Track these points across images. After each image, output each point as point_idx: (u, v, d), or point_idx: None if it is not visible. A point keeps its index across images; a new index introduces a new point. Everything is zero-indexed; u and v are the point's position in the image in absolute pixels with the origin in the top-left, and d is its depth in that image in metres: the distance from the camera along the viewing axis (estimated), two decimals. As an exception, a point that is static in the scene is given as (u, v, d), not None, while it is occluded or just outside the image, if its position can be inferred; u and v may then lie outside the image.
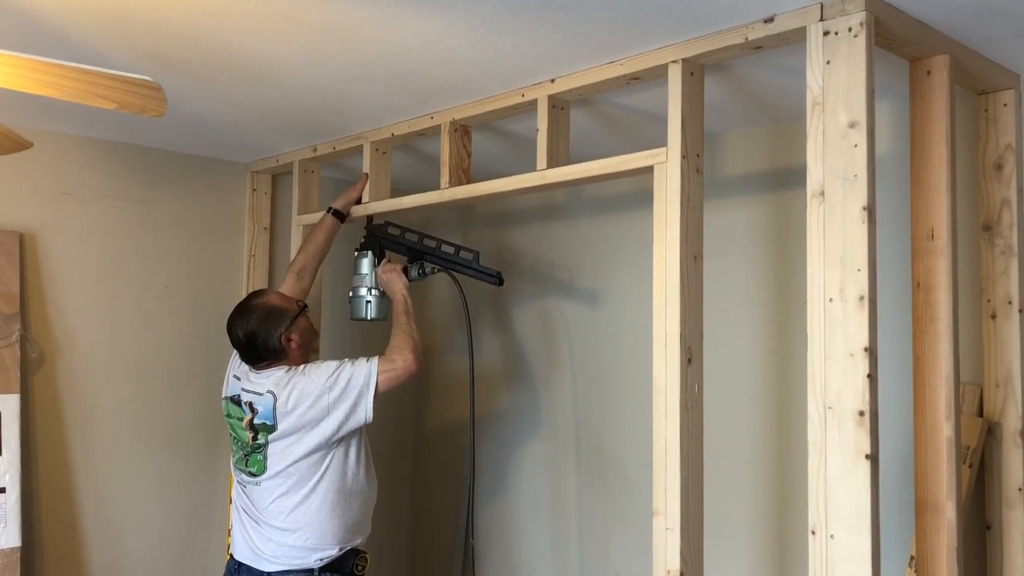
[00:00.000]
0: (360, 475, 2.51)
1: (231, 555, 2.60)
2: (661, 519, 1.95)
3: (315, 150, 3.05)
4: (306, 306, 2.64)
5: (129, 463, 3.06)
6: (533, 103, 2.31)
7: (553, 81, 2.25)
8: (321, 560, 2.44)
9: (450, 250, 2.80)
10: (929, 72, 1.94)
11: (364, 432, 2.52)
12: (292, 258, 2.98)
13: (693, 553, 1.95)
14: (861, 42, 1.68)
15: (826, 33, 1.73)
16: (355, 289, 2.83)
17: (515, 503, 3.34)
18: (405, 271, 2.74)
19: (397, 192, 2.85)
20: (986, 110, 2.20)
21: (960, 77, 2.04)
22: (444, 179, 2.58)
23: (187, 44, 2.04)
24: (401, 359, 2.45)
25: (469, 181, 2.59)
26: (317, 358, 2.92)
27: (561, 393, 3.19)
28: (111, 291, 3.04)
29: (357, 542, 2.53)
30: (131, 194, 3.09)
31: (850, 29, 1.70)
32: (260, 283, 3.36)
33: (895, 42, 1.84)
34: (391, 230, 2.85)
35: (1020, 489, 2.13)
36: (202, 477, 3.24)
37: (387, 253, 2.85)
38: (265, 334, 2.49)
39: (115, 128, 2.89)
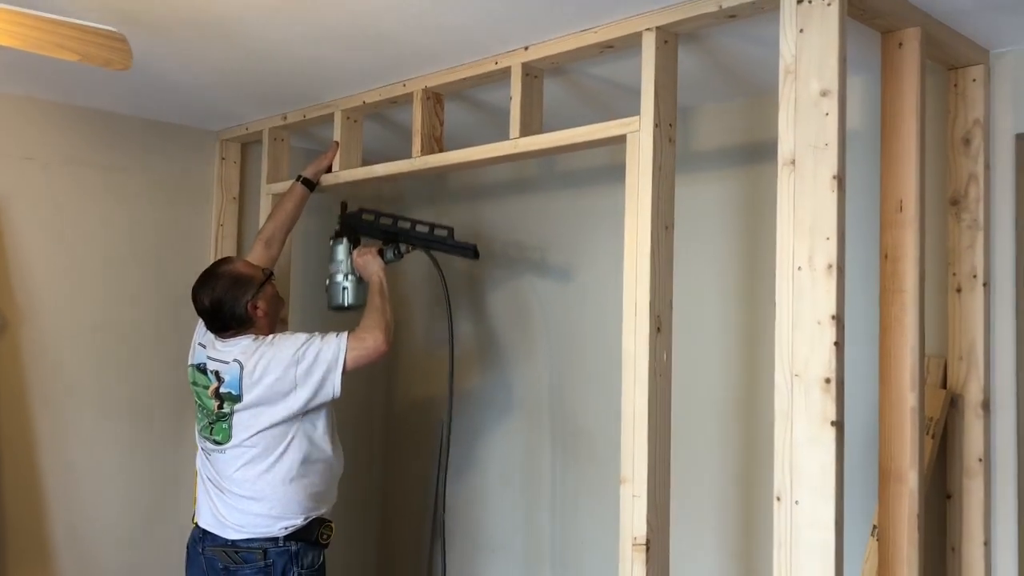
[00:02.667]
0: (326, 445, 2.50)
1: (195, 523, 2.58)
2: (628, 486, 1.97)
3: (285, 118, 3.01)
4: (272, 274, 2.62)
5: (94, 431, 3.02)
6: (507, 71, 2.29)
7: (527, 49, 2.24)
8: (286, 529, 2.43)
9: (425, 229, 2.78)
10: (900, 44, 1.95)
11: (331, 403, 2.50)
12: (260, 227, 2.95)
13: (660, 520, 1.97)
14: (834, 11, 1.68)
15: (799, 1, 1.73)
16: (331, 276, 2.80)
17: (485, 477, 3.35)
18: (381, 253, 2.72)
19: (368, 162, 2.82)
20: (955, 85, 2.21)
21: (931, 51, 2.04)
22: (416, 148, 2.56)
23: (154, 1, 2.00)
24: (371, 337, 2.43)
25: (442, 150, 2.57)
26: (285, 328, 2.90)
27: (534, 366, 3.19)
28: (76, 258, 2.99)
29: (322, 511, 2.52)
30: (97, 160, 3.03)
31: (823, -3, 1.70)
32: (228, 252, 3.31)
33: (868, 13, 1.85)
34: (365, 216, 2.83)
35: (980, 460, 2.16)
36: (168, 445, 3.20)
37: (362, 239, 2.82)
38: (232, 302, 2.47)
39: (81, 92, 2.82)
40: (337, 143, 2.80)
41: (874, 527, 2.09)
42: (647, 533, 1.94)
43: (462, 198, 3.53)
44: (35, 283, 2.90)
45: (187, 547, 2.59)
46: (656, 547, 1.95)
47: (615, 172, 2.88)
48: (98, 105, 2.99)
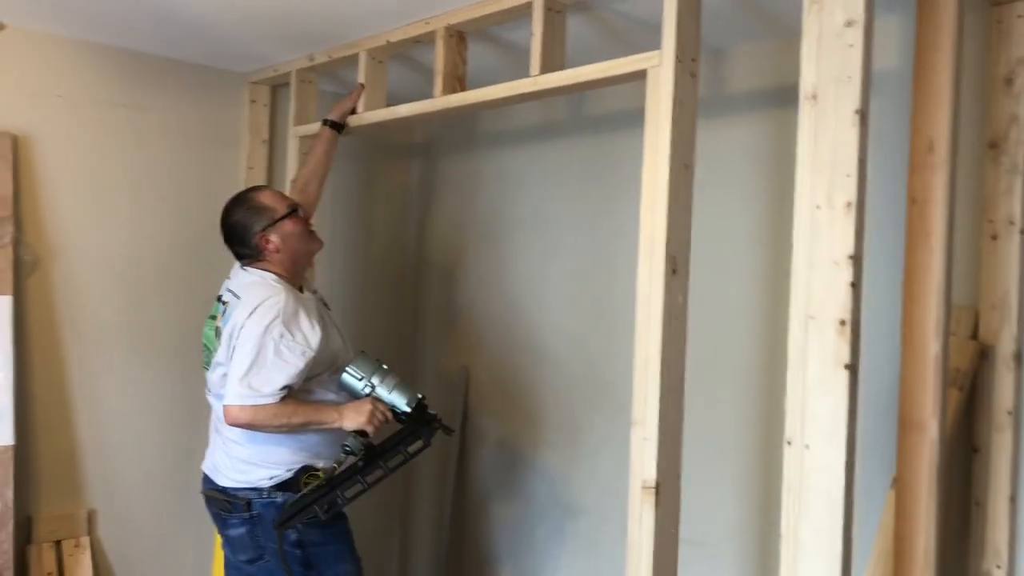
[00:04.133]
0: (317, 397, 2.39)
1: None
2: (639, 428, 1.94)
3: (312, 59, 2.99)
4: (295, 209, 2.46)
5: (123, 367, 3.08)
6: (530, 5, 2.24)
7: (549, -18, 2.18)
8: (270, 479, 2.36)
9: (400, 459, 2.41)
10: (938, -25, 1.85)
11: (332, 361, 2.40)
12: (295, 173, 2.94)
13: (670, 464, 1.94)
14: (862, -66, 1.60)
15: (827, -74, 1.65)
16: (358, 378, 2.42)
17: (507, 428, 3.34)
18: (361, 432, 2.34)
19: (393, 103, 2.79)
20: (999, 21, 2.10)
21: (972, -17, 1.95)
22: (438, 88, 2.52)
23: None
24: (252, 413, 2.24)
25: (464, 90, 2.53)
26: (312, 275, 2.88)
27: (557, 316, 3.16)
28: (105, 198, 3.02)
29: (319, 463, 2.40)
30: (125, 100, 3.05)
31: (852, -80, 1.61)
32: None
33: (902, -60, 1.76)
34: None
35: (1009, 412, 2.09)
36: (196, 382, 3.23)
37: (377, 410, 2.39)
38: (243, 229, 2.41)
39: (110, 31, 2.83)
40: (362, 85, 2.78)
41: (895, 479, 2.04)
42: (657, 476, 1.91)
43: (491, 143, 3.48)
44: (65, 221, 2.93)
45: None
46: (666, 490, 1.93)
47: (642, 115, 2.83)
48: (127, 44, 3.00)
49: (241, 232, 2.43)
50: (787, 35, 2.50)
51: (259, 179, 3.33)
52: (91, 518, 3.00)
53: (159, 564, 3.18)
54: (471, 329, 3.49)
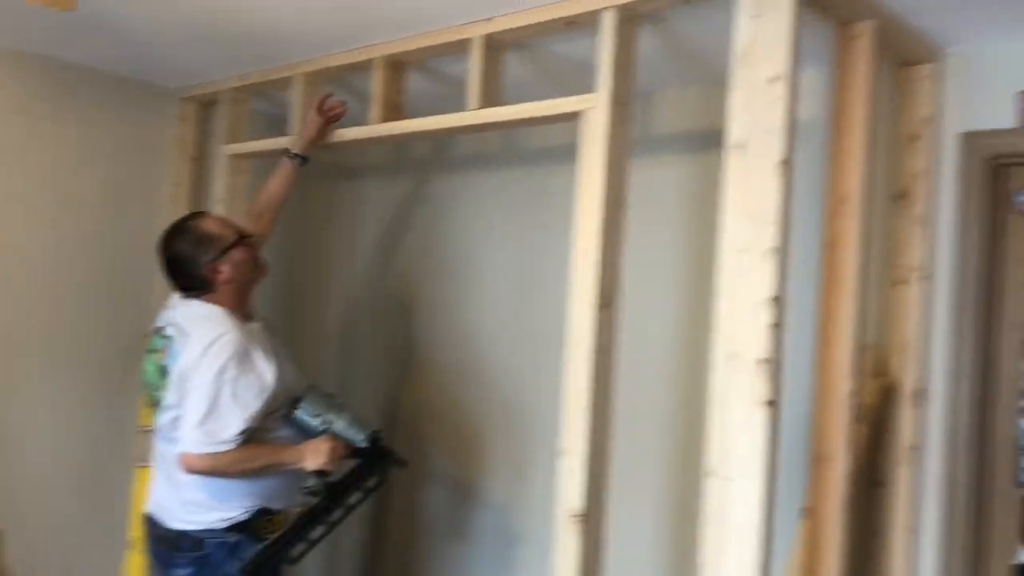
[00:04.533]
0: (281, 440, 2.33)
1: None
2: (567, 458, 1.99)
3: (246, 79, 2.98)
4: (245, 237, 2.38)
5: (39, 383, 3.00)
6: (469, 42, 2.29)
7: (490, 20, 2.24)
8: (224, 520, 2.28)
9: (359, 496, 2.42)
10: (854, 38, 1.98)
11: (287, 394, 2.34)
12: (223, 193, 2.90)
13: (597, 494, 1.99)
14: (789, -2, 1.71)
15: (756, -13, 1.75)
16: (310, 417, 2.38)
17: (431, 451, 3.36)
18: (320, 472, 2.31)
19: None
20: (906, 81, 2.25)
21: (884, 47, 2.08)
22: (376, 115, 2.55)
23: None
24: (212, 460, 2.18)
25: (402, 118, 2.56)
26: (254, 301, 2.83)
27: (486, 340, 3.20)
28: (29, 209, 2.94)
29: (274, 505, 2.34)
30: (54, 112, 2.98)
31: (780, -15, 1.72)
32: (183, 213, 3.28)
33: (823, 3, 1.87)
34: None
35: (911, 448, 2.22)
36: (113, 398, 3.18)
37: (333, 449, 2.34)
38: (190, 260, 2.29)
39: (40, 41, 2.77)
40: (327, 120, 2.66)
41: (803, 509, 2.14)
42: (583, 506, 1.96)
43: (422, 170, 3.51)
44: (-18, 233, 2.85)
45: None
46: (592, 520, 1.98)
47: (573, 151, 2.91)
48: (55, 54, 2.94)
49: (186, 264, 2.31)
50: (712, 81, 2.61)
51: (184, 196, 3.29)
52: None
53: (66, 587, 3.09)
54: (401, 358, 3.50)
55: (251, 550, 2.27)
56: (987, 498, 2.17)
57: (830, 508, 1.98)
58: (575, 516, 1.98)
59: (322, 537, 2.35)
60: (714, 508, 1.75)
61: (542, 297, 3.01)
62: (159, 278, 3.14)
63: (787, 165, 1.71)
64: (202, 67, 2.96)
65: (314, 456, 2.29)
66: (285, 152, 2.70)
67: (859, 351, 2.00)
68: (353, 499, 2.38)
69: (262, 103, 3.29)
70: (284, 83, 2.88)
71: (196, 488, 2.27)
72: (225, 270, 2.31)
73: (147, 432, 3.03)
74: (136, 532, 3.04)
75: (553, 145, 3.00)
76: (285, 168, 2.70)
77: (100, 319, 3.13)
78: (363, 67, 2.63)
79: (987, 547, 2.17)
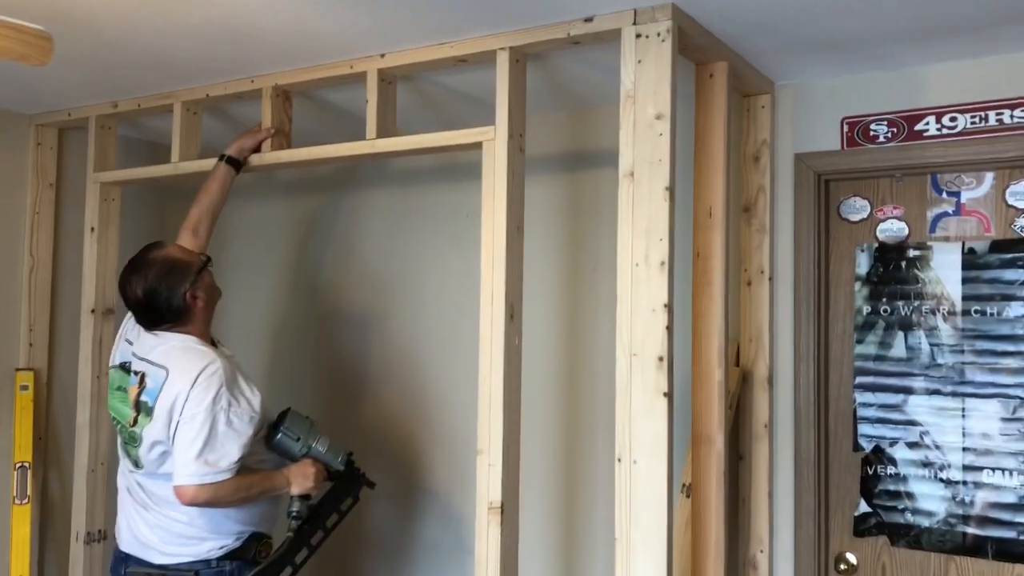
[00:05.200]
0: (259, 461, 2.36)
1: (117, 546, 2.43)
2: (485, 457, 2.19)
3: (116, 106, 2.96)
4: (209, 259, 2.40)
5: None
6: (362, 75, 2.44)
7: (383, 56, 2.40)
8: (220, 549, 2.31)
9: (335, 518, 2.51)
10: (711, 75, 2.30)
11: (266, 419, 2.38)
12: (93, 221, 2.82)
13: (511, 486, 2.20)
14: (668, 46, 1.99)
15: (638, 36, 2.02)
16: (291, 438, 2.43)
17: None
18: (305, 496, 2.39)
19: (207, 154, 2.84)
20: (748, 110, 2.62)
21: (732, 81, 2.42)
22: (265, 144, 2.64)
23: (14, -12, 1.97)
24: (213, 491, 2.20)
25: (290, 146, 2.67)
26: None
27: (394, 351, 3.29)
28: None
29: (263, 528, 2.40)
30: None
31: (659, 34, 2.00)
32: (45, 242, 3.21)
33: (688, 48, 2.17)
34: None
35: (765, 425, 2.58)
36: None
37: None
38: (168, 292, 2.27)
39: None
40: (269, 128, 2.64)
41: (684, 485, 2.45)
42: (501, 498, 2.17)
43: (291, 190, 3.58)
44: None
45: (110, 569, 2.44)
46: (509, 510, 2.19)
47: (444, 173, 3.11)
48: (-98, 83, 2.81)
49: (166, 297, 2.28)
50: (579, 108, 2.89)
51: (46, 223, 3.22)
52: None
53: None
54: (328, 371, 3.55)
55: (247, 572, 2.30)
56: (831, 463, 2.57)
57: (711, 482, 2.29)
58: (494, 508, 2.18)
59: (306, 560, 2.40)
60: (624, 488, 2.01)
61: (458, 308, 3.13)
62: (29, 311, 3.09)
63: (672, 191, 1.99)
64: (67, 93, 2.91)
65: (302, 481, 2.35)
66: (220, 158, 2.64)
67: (727, 345, 2.32)
68: (330, 521, 2.46)
69: (129, 129, 3.27)
70: (160, 110, 2.89)
71: (189, 520, 2.28)
72: (201, 295, 2.33)
73: (24, 469, 2.97)
74: (20, 571, 2.95)
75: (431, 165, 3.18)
76: (222, 174, 2.63)
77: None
78: (248, 96, 2.70)
79: (833, 503, 2.56)
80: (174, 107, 2.82)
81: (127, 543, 2.38)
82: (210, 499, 2.21)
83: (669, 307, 1.98)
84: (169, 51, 2.42)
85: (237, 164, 2.64)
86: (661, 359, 1.98)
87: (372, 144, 2.43)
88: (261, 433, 2.36)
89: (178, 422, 2.21)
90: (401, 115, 2.74)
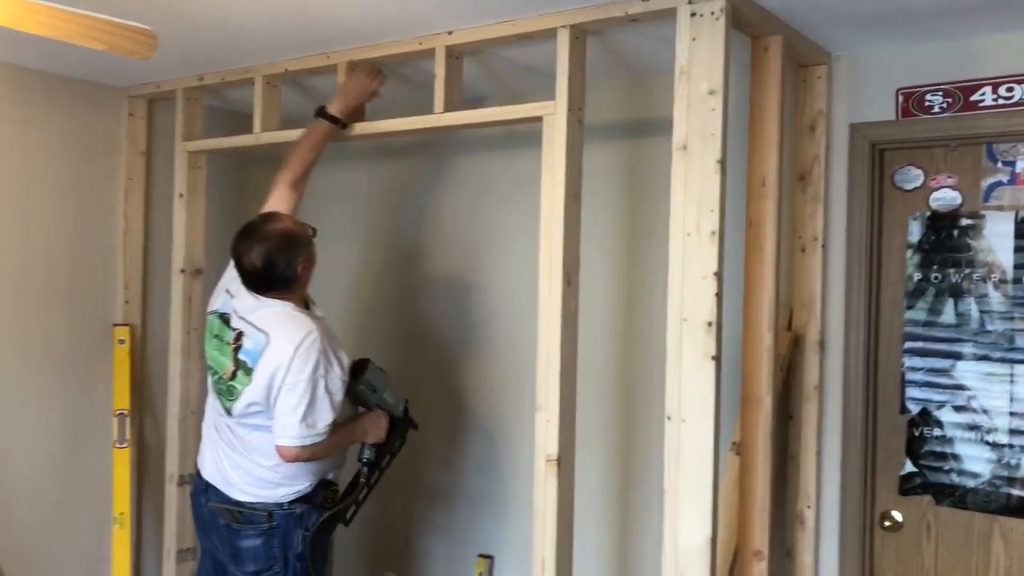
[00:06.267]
0: (345, 413, 2.54)
1: (198, 471, 2.63)
2: (543, 413, 2.34)
3: (202, 79, 3.16)
4: (315, 231, 2.56)
5: (13, 379, 3.14)
6: (431, 51, 2.57)
7: (451, 33, 2.52)
8: (295, 493, 2.49)
9: (388, 459, 2.72)
10: (766, 49, 2.37)
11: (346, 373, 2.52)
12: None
13: (567, 441, 2.36)
14: (721, 24, 2.07)
15: (692, 15, 2.11)
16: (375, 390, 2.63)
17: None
18: (377, 446, 2.63)
19: (287, 125, 3.02)
20: (804, 81, 2.67)
21: (787, 54, 2.48)
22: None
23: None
24: (312, 450, 2.41)
25: (364, 119, 2.82)
26: None
27: (469, 309, 3.43)
28: (-8, 212, 3.07)
29: (330, 475, 2.59)
30: (8, 113, 3.09)
31: (712, 12, 2.08)
32: (138, 206, 3.44)
33: (742, 24, 2.24)
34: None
35: (815, 387, 2.67)
36: (82, 391, 3.33)
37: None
38: (285, 263, 2.41)
39: (-4, 47, 2.88)
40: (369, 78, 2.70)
41: (733, 443, 2.57)
42: (558, 451, 2.33)
43: (370, 157, 3.73)
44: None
45: (191, 495, 2.67)
46: (565, 463, 2.35)
47: (517, 140, 3.21)
48: (11, 59, 3.04)
49: (284, 266, 2.41)
50: (635, 76, 2.97)
51: (138, 189, 3.44)
52: (-20, 528, 3.05)
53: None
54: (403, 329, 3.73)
55: (314, 517, 2.51)
56: (878, 424, 2.65)
57: (758, 441, 2.41)
58: (551, 460, 2.34)
59: (366, 497, 2.65)
60: (673, 444, 2.14)
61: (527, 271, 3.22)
62: (124, 270, 3.34)
63: (723, 163, 2.09)
64: (155, 68, 3.11)
65: (376, 431, 2.60)
66: (320, 113, 2.68)
67: (777, 310, 2.42)
68: (384, 463, 2.69)
69: (212, 98, 3.46)
70: (242, 83, 3.07)
71: (272, 467, 2.47)
72: (308, 266, 2.49)
73: (123, 416, 3.24)
74: (121, 508, 3.24)
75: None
76: (321, 130, 2.67)
77: (68, 313, 3.27)
78: (322, 71, 2.86)
79: (880, 463, 2.65)
80: (255, 80, 3.00)
81: (211, 475, 2.56)
82: (310, 457, 2.43)
83: (719, 275, 2.09)
84: (251, 30, 2.59)
85: (338, 122, 2.69)
86: (710, 324, 2.09)
87: (439, 118, 2.57)
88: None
89: (280, 388, 2.37)
90: (467, 85, 2.87)
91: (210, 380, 2.59)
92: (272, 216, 2.51)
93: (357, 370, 2.58)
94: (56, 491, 3.26)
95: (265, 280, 2.44)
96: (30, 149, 3.16)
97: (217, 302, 2.59)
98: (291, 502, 2.50)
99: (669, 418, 2.15)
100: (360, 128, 2.78)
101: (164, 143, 3.45)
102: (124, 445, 3.28)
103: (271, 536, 2.48)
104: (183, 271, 3.28)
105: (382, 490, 2.83)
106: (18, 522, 3.14)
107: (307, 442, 2.39)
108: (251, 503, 2.49)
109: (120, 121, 3.42)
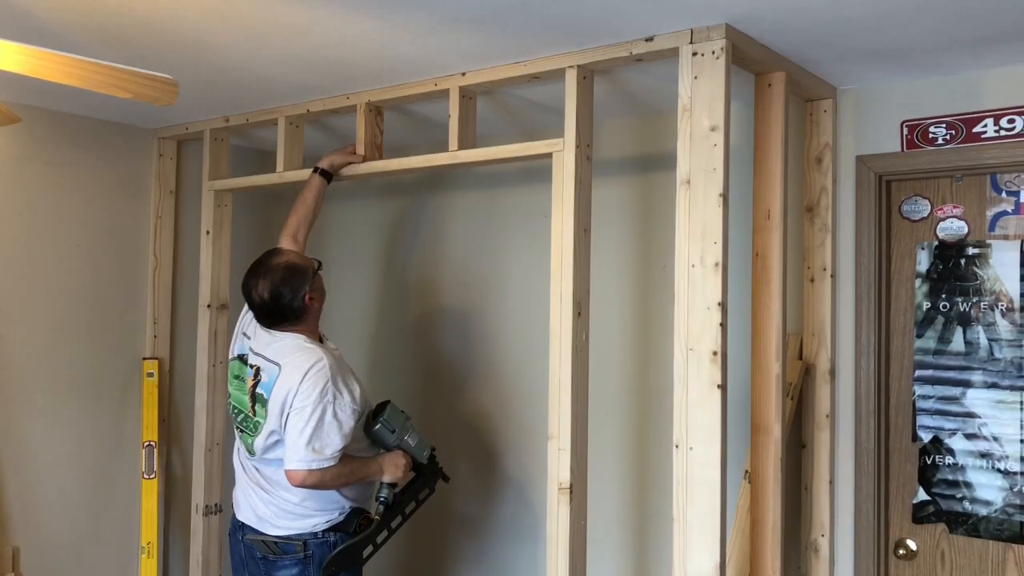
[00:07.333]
0: (359, 444, 2.60)
1: (233, 514, 2.73)
2: (555, 441, 2.39)
3: (227, 120, 3.28)
4: (321, 264, 2.67)
5: (42, 408, 3.24)
6: (445, 92, 2.66)
7: (464, 75, 2.62)
8: (327, 523, 2.57)
9: (413, 506, 2.78)
10: (770, 85, 2.43)
11: (365, 409, 2.62)
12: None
13: (580, 468, 2.40)
14: (722, 63, 2.14)
15: (694, 54, 2.18)
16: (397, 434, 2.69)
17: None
18: (394, 485, 2.68)
19: (309, 163, 3.12)
20: (810, 114, 2.73)
21: (792, 88, 2.54)
22: (357, 157, 2.89)
23: (140, 25, 2.27)
24: (320, 475, 2.45)
25: (381, 157, 2.92)
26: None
27: (480, 345, 3.52)
28: (22, 250, 3.18)
29: (362, 504, 2.66)
30: (43, 156, 3.22)
31: (713, 52, 2.15)
32: (167, 243, 3.56)
33: (745, 61, 2.32)
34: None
35: (827, 416, 2.70)
36: (112, 422, 3.43)
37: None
38: (291, 294, 2.52)
39: (32, 94, 3.01)
40: (361, 154, 2.89)
41: (746, 471, 2.60)
42: (570, 479, 2.37)
43: (383, 193, 3.85)
44: (-12, 273, 3.08)
45: (228, 534, 2.78)
46: (577, 491, 2.39)
47: (524, 176, 3.30)
48: (45, 105, 3.18)
49: (290, 298, 2.52)
50: (645, 113, 3.04)
51: (167, 227, 3.56)
52: (15, 556, 3.13)
53: (78, 597, 3.34)
54: (421, 363, 3.83)
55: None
56: (890, 452, 2.67)
57: (768, 468, 2.44)
58: (563, 488, 2.38)
59: (385, 541, 2.70)
60: (681, 471, 2.18)
61: (536, 303, 3.31)
62: (153, 305, 3.45)
63: (725, 197, 2.15)
64: (184, 112, 3.24)
65: (393, 470, 2.63)
66: (314, 170, 2.90)
67: (785, 339, 2.46)
68: (408, 509, 2.74)
69: (238, 139, 3.59)
70: (266, 124, 3.19)
71: (300, 500, 2.56)
72: (316, 297, 2.60)
73: (151, 447, 3.33)
74: (148, 538, 3.32)
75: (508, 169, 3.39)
76: (316, 185, 2.87)
77: (99, 347, 3.38)
78: (343, 111, 2.97)
79: (892, 491, 2.67)
80: (278, 121, 3.11)
81: (246, 516, 2.66)
82: (316, 483, 2.48)
83: (723, 305, 2.14)
84: (274, 74, 2.70)
85: (328, 175, 2.90)
86: (715, 353, 2.14)
87: (454, 155, 2.66)
88: (360, 421, 2.59)
89: (288, 413, 2.47)
90: (481, 123, 2.97)
91: (235, 423, 2.69)
92: (276, 251, 2.66)
93: (377, 411, 2.67)
94: (86, 520, 3.35)
95: (274, 311, 2.55)
96: (63, 190, 3.29)
97: (235, 347, 2.72)
98: (324, 531, 2.57)
99: (677, 446, 2.19)
100: (379, 166, 2.87)
101: (191, 182, 3.58)
102: (152, 476, 3.36)
103: (307, 565, 2.55)
104: (209, 305, 3.38)
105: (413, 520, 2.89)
106: (49, 550, 3.23)
107: (313, 466, 2.44)
108: (286, 536, 2.58)
109: (150, 162, 3.55)
